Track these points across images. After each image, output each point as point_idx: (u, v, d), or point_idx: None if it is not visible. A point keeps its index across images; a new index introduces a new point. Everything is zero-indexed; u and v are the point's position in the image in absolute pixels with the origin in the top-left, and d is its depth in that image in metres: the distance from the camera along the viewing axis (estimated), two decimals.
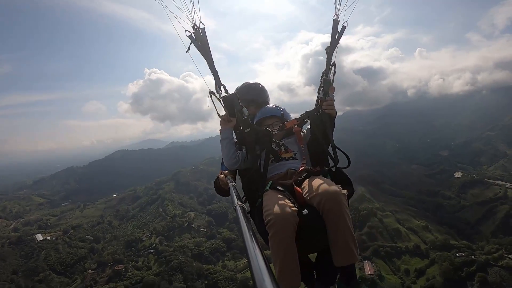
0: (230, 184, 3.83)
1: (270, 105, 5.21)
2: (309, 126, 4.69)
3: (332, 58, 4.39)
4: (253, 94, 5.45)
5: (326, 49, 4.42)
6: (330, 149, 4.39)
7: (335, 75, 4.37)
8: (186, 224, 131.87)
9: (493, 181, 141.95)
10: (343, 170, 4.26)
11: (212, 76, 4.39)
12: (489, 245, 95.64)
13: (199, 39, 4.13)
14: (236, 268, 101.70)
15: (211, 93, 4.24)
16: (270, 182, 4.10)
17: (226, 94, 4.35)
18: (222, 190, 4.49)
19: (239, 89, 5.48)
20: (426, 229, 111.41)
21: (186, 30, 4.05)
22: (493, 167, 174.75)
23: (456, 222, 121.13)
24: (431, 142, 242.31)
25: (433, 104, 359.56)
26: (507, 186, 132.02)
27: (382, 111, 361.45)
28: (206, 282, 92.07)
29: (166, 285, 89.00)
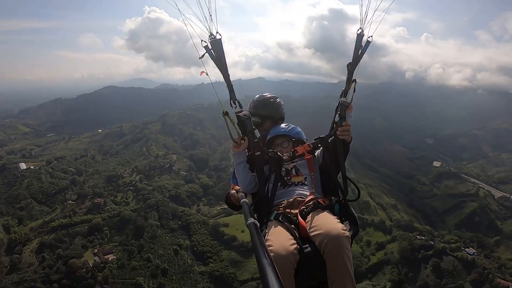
0: (242, 201, 3.84)
1: (283, 124, 5.18)
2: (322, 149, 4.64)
3: (354, 74, 4.28)
4: (270, 110, 5.36)
5: (347, 65, 4.29)
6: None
7: (354, 93, 4.33)
8: (167, 166, 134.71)
9: (469, 178, 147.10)
10: (352, 202, 4.23)
11: (227, 89, 4.41)
12: (449, 235, 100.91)
13: (215, 50, 4.13)
14: (209, 214, 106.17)
15: (225, 113, 4.20)
16: (275, 212, 4.08)
17: (240, 110, 4.36)
18: (234, 205, 4.63)
19: (255, 103, 5.43)
20: (394, 207, 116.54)
21: (202, 41, 4.03)
22: (473, 165, 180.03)
23: (424, 208, 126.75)
24: (418, 128, 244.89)
25: (429, 91, 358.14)
26: (480, 185, 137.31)
27: (378, 87, 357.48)
28: (179, 222, 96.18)
29: (141, 221, 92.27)
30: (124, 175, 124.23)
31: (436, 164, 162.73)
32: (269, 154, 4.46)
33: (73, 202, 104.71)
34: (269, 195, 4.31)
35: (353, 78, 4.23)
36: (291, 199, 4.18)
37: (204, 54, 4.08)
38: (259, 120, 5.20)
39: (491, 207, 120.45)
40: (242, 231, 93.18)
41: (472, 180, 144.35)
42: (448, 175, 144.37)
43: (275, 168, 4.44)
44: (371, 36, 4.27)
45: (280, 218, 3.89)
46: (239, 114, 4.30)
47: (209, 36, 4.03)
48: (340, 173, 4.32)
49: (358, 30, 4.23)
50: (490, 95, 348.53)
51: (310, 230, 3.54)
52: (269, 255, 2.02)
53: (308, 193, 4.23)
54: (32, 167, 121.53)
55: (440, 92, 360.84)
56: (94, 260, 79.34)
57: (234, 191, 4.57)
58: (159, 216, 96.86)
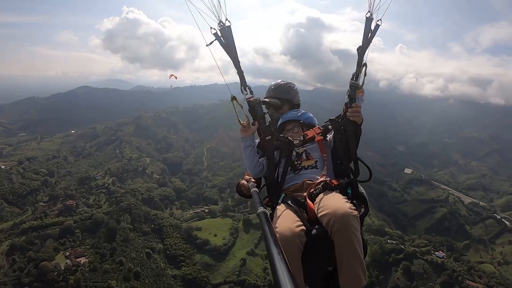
0: (253, 190, 3.83)
1: (294, 110, 5.13)
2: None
3: (364, 58, 4.20)
4: (288, 94, 5.28)
5: (357, 49, 4.23)
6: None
7: (365, 77, 4.26)
8: (140, 169, 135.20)
9: (439, 184, 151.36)
10: (363, 184, 4.21)
11: (238, 75, 4.40)
12: (420, 240, 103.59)
13: (225, 37, 4.12)
14: (182, 218, 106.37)
15: (233, 98, 4.23)
16: (283, 195, 4.05)
17: (251, 96, 4.36)
18: (245, 194, 4.56)
19: (276, 86, 5.34)
20: None
21: (211, 28, 4.03)
22: (443, 172, 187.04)
23: (395, 213, 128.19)
24: (391, 135, 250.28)
25: (401, 100, 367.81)
26: (450, 191, 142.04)
27: None
28: (152, 226, 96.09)
29: (114, 223, 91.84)
30: (96, 177, 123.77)
31: (407, 171, 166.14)
32: (280, 139, 4.48)
33: (44, 204, 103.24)
34: (279, 179, 4.30)
35: (364, 62, 4.21)
36: (299, 183, 4.21)
37: (212, 42, 4.16)
38: (278, 102, 5.19)
39: (461, 213, 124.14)
40: (215, 235, 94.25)
41: (443, 186, 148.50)
42: (419, 182, 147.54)
43: (285, 153, 4.44)
44: (380, 20, 4.24)
45: (288, 201, 3.90)
46: (250, 99, 4.37)
47: (218, 23, 4.08)
48: (351, 155, 4.31)
49: (367, 13, 4.21)
50: (461, 105, 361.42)
51: (318, 211, 3.51)
52: (279, 245, 1.98)
53: (318, 176, 4.22)
54: (2, 166, 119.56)
55: (413, 101, 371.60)
56: (66, 263, 78.56)
57: (244, 181, 4.56)
58: (131, 219, 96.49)
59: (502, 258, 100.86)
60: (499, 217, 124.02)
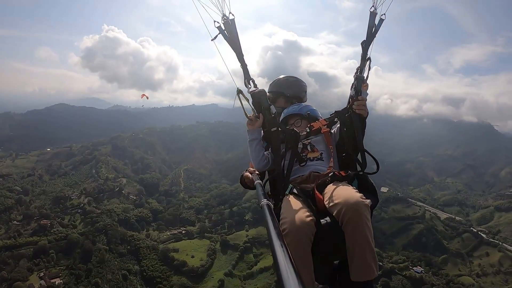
0: (256, 182, 3.73)
1: (295, 105, 5.07)
2: (339, 125, 4.56)
3: (368, 52, 4.25)
4: (280, 87, 5.27)
5: (361, 43, 4.27)
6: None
7: (369, 71, 4.34)
8: (116, 189, 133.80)
9: (415, 201, 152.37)
10: (371, 176, 4.23)
11: (241, 68, 4.36)
12: (398, 256, 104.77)
13: (228, 31, 4.11)
14: (159, 239, 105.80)
15: (239, 91, 4.22)
16: (290, 186, 3.99)
17: (254, 89, 4.33)
18: (248, 186, 4.47)
19: (273, 81, 5.37)
20: None
21: (215, 21, 4.03)
22: (419, 189, 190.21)
23: (373, 231, 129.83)
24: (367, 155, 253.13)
25: (377, 120, 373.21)
26: (426, 208, 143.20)
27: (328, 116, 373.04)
28: (128, 247, 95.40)
29: (89, 244, 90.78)
30: (72, 197, 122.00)
31: (384, 189, 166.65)
32: (285, 131, 4.40)
33: (18, 223, 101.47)
34: (285, 171, 4.20)
35: (368, 56, 4.29)
36: (306, 174, 4.19)
37: (216, 36, 4.15)
38: (271, 96, 5.21)
39: (437, 228, 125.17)
40: (192, 256, 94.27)
41: (419, 203, 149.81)
42: (396, 200, 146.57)
43: (291, 145, 4.33)
44: (384, 14, 4.27)
45: (296, 192, 3.84)
46: (254, 92, 4.33)
47: (222, 17, 4.08)
48: (358, 147, 4.36)
49: (371, 8, 4.24)
50: (435, 123, 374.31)
51: (327, 202, 3.45)
52: (282, 239, 1.93)
53: (325, 168, 4.21)
54: None
55: (388, 121, 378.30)
56: (40, 284, 77.47)
57: (247, 173, 4.48)
58: (107, 240, 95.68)
59: (480, 270, 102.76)
60: (475, 230, 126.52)
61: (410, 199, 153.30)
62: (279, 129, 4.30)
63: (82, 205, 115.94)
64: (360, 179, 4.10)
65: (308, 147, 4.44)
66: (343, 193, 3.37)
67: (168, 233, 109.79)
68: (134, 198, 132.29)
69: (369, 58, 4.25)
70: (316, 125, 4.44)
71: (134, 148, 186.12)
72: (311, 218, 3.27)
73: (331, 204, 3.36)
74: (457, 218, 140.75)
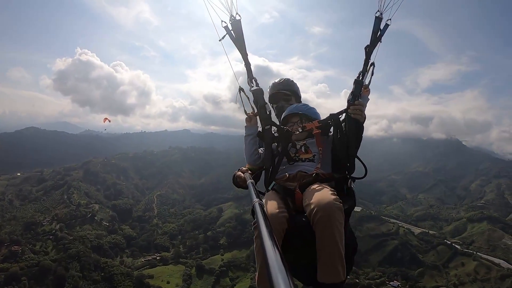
0: (249, 182, 3.55)
1: (298, 103, 5.11)
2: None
3: (371, 58, 4.09)
4: (293, 87, 5.34)
5: (365, 48, 4.13)
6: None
7: (372, 76, 4.16)
8: (89, 215, 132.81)
9: (389, 218, 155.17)
10: (357, 180, 4.24)
11: (245, 68, 4.48)
12: (374, 272, 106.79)
13: (235, 31, 4.21)
14: (133, 265, 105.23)
15: (240, 89, 4.35)
16: (273, 182, 4.17)
17: (256, 88, 4.42)
18: (241, 186, 4.40)
19: (282, 80, 5.38)
20: None
21: (222, 21, 4.12)
22: (392, 207, 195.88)
23: (347, 250, 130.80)
24: None
25: None
26: (400, 224, 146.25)
27: None
28: (102, 274, 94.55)
29: (62, 271, 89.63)
30: (43, 223, 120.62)
31: (357, 209, 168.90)
32: (278, 129, 4.49)
33: None
34: (273, 168, 4.28)
35: (372, 61, 4.11)
36: (293, 173, 4.15)
37: (224, 36, 4.24)
38: (288, 93, 5.26)
39: (412, 243, 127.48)
40: (168, 282, 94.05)
41: (392, 220, 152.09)
42: (369, 218, 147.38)
43: (282, 143, 4.40)
44: (390, 19, 4.09)
45: (276, 189, 4.04)
46: (255, 90, 4.44)
47: (229, 17, 4.18)
48: (349, 152, 4.26)
49: (376, 13, 4.07)
50: (405, 142, 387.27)
51: (304, 201, 3.54)
52: (274, 238, 1.79)
53: (313, 169, 4.14)
54: None
55: None
56: None
57: (240, 172, 4.48)
58: (80, 267, 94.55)
59: (457, 280, 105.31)
60: (449, 242, 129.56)
61: (384, 217, 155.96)
62: (272, 126, 4.48)
63: (54, 231, 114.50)
64: (340, 182, 4.11)
65: (303, 148, 4.40)
66: (318, 194, 3.46)
67: (143, 259, 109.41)
68: (107, 224, 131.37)
69: (373, 63, 4.12)
70: (308, 126, 4.38)
71: (106, 173, 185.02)
72: (284, 214, 3.45)
73: (305, 203, 3.48)
74: (430, 232, 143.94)
